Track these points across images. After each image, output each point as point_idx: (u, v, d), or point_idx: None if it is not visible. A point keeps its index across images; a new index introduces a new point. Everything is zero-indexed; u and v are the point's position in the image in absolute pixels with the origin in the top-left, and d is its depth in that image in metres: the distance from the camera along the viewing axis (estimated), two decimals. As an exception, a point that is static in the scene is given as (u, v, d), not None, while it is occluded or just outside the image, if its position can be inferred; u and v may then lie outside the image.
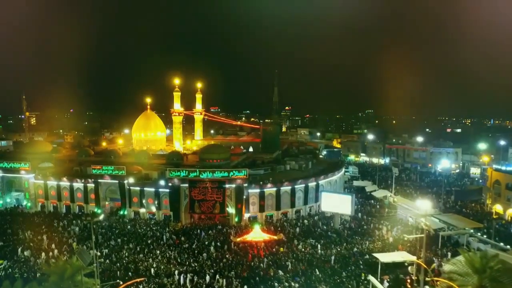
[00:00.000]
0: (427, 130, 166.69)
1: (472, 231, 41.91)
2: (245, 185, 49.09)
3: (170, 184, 50.14)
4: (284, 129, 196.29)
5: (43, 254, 38.30)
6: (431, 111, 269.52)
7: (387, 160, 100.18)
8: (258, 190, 50.26)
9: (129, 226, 47.67)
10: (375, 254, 35.03)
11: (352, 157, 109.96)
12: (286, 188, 51.73)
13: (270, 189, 50.89)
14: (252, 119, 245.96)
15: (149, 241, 41.81)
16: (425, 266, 28.72)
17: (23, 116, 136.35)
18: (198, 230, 45.76)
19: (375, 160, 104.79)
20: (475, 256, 23.64)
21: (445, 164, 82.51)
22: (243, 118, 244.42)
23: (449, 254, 37.00)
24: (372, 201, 59.31)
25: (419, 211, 47.85)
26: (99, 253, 36.79)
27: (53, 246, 40.50)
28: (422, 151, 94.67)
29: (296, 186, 52.31)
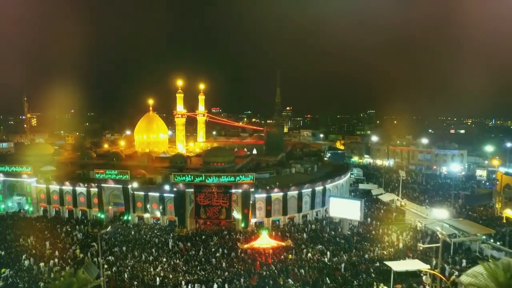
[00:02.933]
0: (430, 131, 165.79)
1: (484, 237, 40.99)
2: (252, 189, 48.21)
3: (175, 188, 49.24)
4: (285, 129, 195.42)
5: (46, 262, 37.36)
6: (431, 111, 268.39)
7: (391, 162, 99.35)
8: (264, 195, 49.37)
9: (133, 232, 46.80)
10: (387, 263, 34.09)
11: (355, 158, 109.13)
12: (293, 192, 50.86)
13: (277, 194, 50.02)
14: (254, 119, 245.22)
15: (153, 249, 40.71)
16: (443, 277, 27.83)
17: (23, 117, 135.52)
18: (203, 236, 44.88)
19: (379, 162, 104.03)
20: (497, 268, 22.68)
21: (455, 168, 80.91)
22: (245, 119, 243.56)
23: (464, 261, 36.09)
24: (378, 204, 58.46)
25: (429, 217, 47.37)
26: (105, 265, 35.72)
27: (56, 253, 39.58)
28: (426, 153, 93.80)
29: (303, 191, 51.46)
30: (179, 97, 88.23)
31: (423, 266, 33.16)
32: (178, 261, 37.74)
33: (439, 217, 32.17)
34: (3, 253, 40.28)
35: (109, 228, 41.72)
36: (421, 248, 37.74)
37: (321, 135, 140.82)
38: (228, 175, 48.41)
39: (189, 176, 48.66)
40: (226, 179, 47.73)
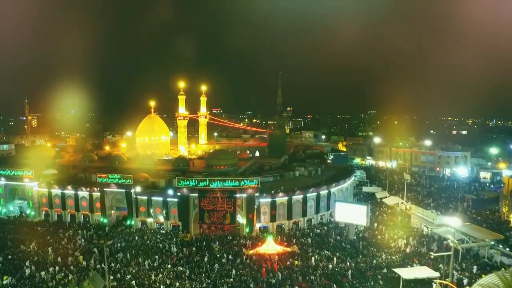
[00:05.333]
0: (432, 132, 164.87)
1: (493, 242, 40.33)
2: (256, 194, 47.63)
3: (178, 193, 48.63)
4: (287, 130, 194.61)
5: (49, 269, 36.71)
6: (431, 111, 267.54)
7: (394, 163, 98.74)
8: (269, 200, 48.82)
9: (136, 237, 46.23)
10: (396, 270, 33.58)
11: (358, 160, 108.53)
12: (298, 197, 50.32)
13: (281, 198, 49.47)
14: (255, 120, 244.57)
15: (156, 256, 39.99)
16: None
17: (24, 118, 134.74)
18: (204, 242, 44.29)
19: (381, 164, 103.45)
20: (514, 280, 22.04)
21: (461, 171, 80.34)
22: (246, 120, 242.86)
23: (475, 268, 35.53)
24: (383, 208, 57.84)
25: (436, 221, 46.77)
26: (111, 276, 35.03)
27: (59, 259, 38.96)
28: (430, 155, 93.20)
29: (308, 195, 50.92)
30: (181, 99, 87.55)
31: (433, 274, 32.63)
32: (182, 268, 37.09)
33: (450, 224, 31.40)
34: (7, 258, 39.67)
35: (115, 239, 41.04)
36: (432, 256, 37.09)
37: (323, 137, 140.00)
38: (233, 180, 47.80)
39: (193, 180, 48.03)
40: (230, 184, 47.12)
